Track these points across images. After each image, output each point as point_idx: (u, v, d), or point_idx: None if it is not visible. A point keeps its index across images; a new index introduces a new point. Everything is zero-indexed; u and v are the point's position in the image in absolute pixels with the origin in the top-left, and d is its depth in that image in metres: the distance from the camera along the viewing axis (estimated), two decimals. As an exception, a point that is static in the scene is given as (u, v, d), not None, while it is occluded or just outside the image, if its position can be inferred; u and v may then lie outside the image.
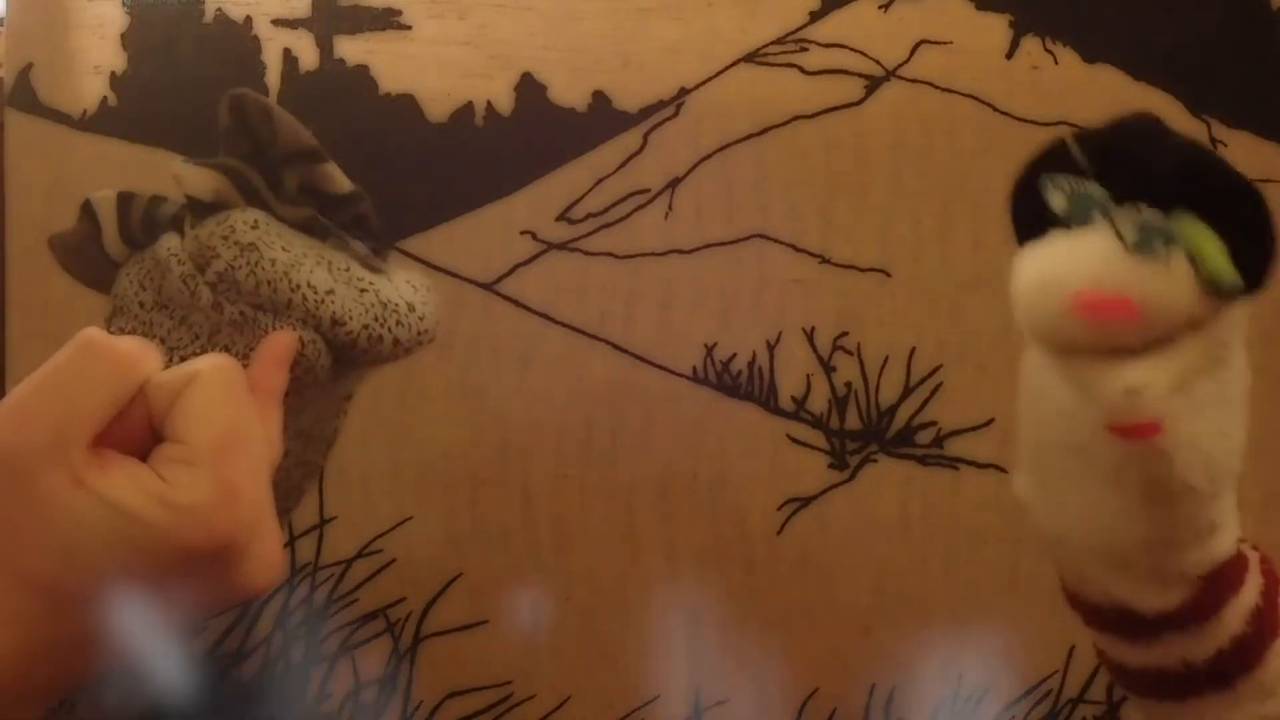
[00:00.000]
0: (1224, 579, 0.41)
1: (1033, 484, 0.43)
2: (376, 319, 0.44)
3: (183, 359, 0.41)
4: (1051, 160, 0.40)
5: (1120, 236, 0.37)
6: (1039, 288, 0.39)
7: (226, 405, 0.36)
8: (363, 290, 0.44)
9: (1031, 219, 0.41)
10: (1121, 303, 0.37)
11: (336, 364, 0.44)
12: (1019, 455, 0.44)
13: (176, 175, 0.44)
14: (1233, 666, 0.41)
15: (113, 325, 0.45)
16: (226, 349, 0.42)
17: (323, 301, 0.42)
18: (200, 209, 0.43)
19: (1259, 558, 0.43)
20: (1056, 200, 0.39)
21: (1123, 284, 0.37)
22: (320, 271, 0.43)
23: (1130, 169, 0.39)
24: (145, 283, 0.44)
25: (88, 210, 0.46)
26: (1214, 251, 0.38)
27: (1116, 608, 0.42)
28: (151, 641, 0.36)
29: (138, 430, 0.36)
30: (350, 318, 0.43)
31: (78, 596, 0.34)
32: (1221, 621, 0.41)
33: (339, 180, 0.46)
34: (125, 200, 0.45)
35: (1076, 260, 0.38)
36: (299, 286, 0.42)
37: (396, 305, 0.44)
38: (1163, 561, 0.41)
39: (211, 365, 0.37)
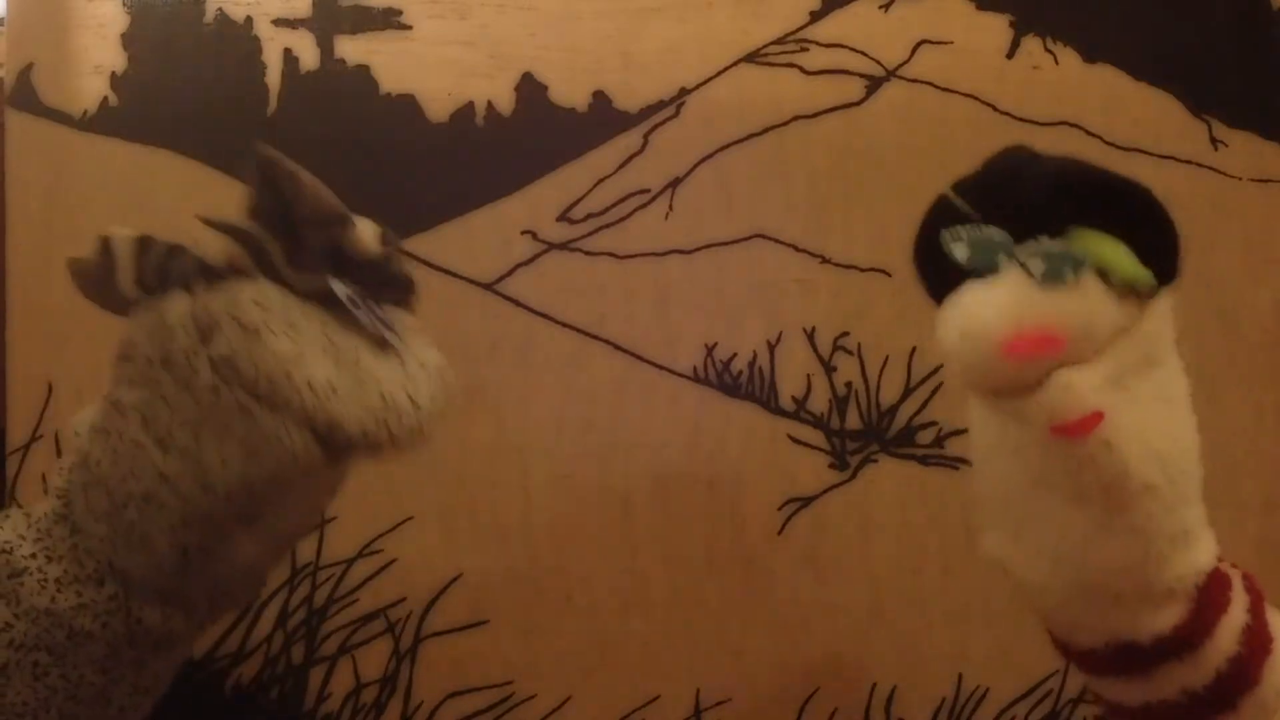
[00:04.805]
0: (1211, 598, 0.42)
1: (1003, 537, 0.43)
2: (376, 421, 0.42)
3: (184, 423, 0.41)
4: (939, 216, 0.42)
5: (1029, 272, 0.39)
6: (963, 340, 0.40)
7: None
8: (365, 384, 0.43)
9: (942, 277, 0.41)
10: (1045, 338, 0.38)
11: (329, 457, 0.43)
12: (983, 516, 0.44)
13: (195, 234, 0.43)
14: (1233, 688, 0.41)
15: (120, 369, 0.44)
16: (226, 427, 0.41)
17: (322, 405, 0.41)
18: (211, 273, 0.43)
19: (1240, 574, 0.43)
20: (959, 251, 0.40)
21: (1042, 319, 0.38)
22: (324, 364, 0.42)
23: (1016, 204, 0.40)
24: (153, 336, 0.43)
25: (106, 246, 0.44)
26: (1121, 258, 0.39)
27: (1112, 645, 0.42)
28: None
29: None
30: (348, 421, 0.42)
31: None
32: (1216, 642, 0.41)
33: (366, 244, 0.45)
34: (143, 245, 0.44)
35: (992, 307, 0.39)
36: (300, 388, 0.41)
37: (399, 403, 0.43)
38: (1148, 579, 0.41)
39: None
